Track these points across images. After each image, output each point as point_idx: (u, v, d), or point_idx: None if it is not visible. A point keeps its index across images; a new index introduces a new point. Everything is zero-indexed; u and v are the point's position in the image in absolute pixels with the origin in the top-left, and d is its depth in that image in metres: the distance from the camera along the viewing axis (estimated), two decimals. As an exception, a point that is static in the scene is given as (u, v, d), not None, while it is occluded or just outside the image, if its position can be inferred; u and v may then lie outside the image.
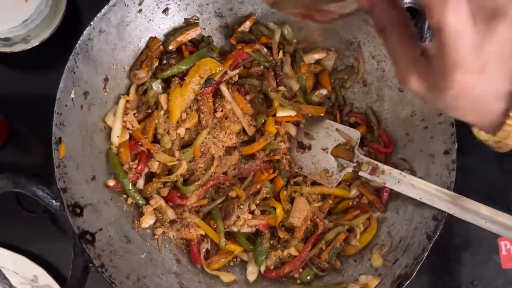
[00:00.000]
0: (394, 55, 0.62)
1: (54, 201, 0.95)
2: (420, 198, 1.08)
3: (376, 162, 1.15)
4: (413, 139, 1.18)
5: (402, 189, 1.11)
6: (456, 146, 1.09)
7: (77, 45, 1.02)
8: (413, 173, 1.15)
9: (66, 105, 1.01)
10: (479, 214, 1.03)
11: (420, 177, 1.11)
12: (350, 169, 1.17)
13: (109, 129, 1.12)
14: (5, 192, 0.96)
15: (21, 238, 1.31)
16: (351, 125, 1.24)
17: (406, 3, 1.40)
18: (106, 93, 1.11)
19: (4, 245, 1.28)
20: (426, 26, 1.14)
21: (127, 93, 1.15)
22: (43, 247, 1.32)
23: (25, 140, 1.39)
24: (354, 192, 1.21)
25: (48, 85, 1.02)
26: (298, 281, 1.16)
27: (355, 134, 1.19)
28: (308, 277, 1.15)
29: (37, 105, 1.01)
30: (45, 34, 1.28)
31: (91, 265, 0.95)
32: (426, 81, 0.60)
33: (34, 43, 1.28)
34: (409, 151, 1.18)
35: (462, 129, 1.13)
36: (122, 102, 1.13)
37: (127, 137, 1.13)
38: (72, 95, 1.02)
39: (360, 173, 1.16)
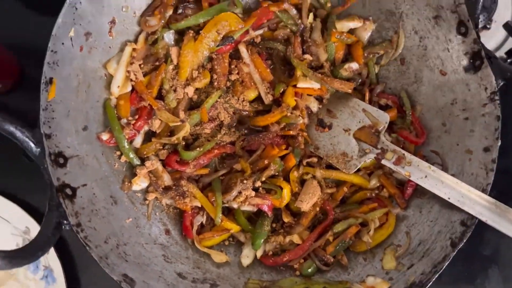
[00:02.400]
0: None
1: (34, 146, 0.86)
2: (449, 198, 0.94)
3: (403, 151, 1.01)
4: (449, 131, 1.03)
5: (430, 185, 0.97)
6: (499, 144, 0.93)
7: (82, -22, 0.92)
8: (444, 169, 1.01)
9: (63, 44, 0.91)
10: (517, 225, 0.88)
11: (452, 175, 0.97)
12: (372, 156, 1.03)
13: (110, 78, 1.02)
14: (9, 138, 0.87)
15: (18, 187, 1.25)
16: (381, 107, 1.10)
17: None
18: (111, 38, 1.00)
19: (0, 192, 1.22)
20: None
21: (135, 41, 1.04)
22: (39, 199, 1.26)
23: (38, 86, 1.32)
24: (374, 182, 1.07)
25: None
26: (297, 273, 1.04)
27: (383, 117, 1.05)
28: (309, 270, 1.03)
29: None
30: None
31: (65, 222, 0.85)
32: None
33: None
34: (443, 144, 1.03)
35: (508, 126, 0.99)
36: (128, 49, 1.02)
37: (129, 89, 1.03)
38: (71, 34, 0.92)
39: (383, 162, 1.02)
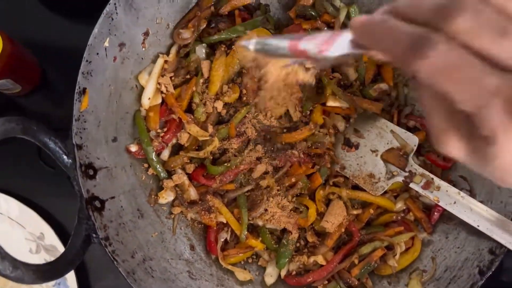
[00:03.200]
0: (431, 109, 0.47)
1: (66, 157, 0.85)
2: (478, 226, 0.94)
3: (431, 176, 1.00)
4: (479, 157, 1.02)
5: (458, 212, 0.96)
6: (531, 173, 0.93)
7: (120, -11, 0.91)
8: (472, 195, 1.00)
9: (97, 54, 0.90)
10: (547, 256, 0.88)
11: (481, 202, 0.96)
12: (400, 179, 1.03)
13: (141, 89, 1.01)
14: (28, 142, 0.86)
15: (34, 191, 1.24)
16: (409, 130, 1.09)
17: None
18: (144, 49, 0.99)
19: (16, 196, 1.21)
20: None
21: (167, 53, 1.03)
22: (56, 205, 1.25)
23: (58, 90, 1.31)
24: (400, 205, 1.06)
25: (90, 34, 0.91)
26: (321, 294, 1.03)
27: (412, 140, 1.04)
28: (333, 292, 1.02)
29: (76, 54, 0.91)
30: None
31: (94, 235, 0.84)
32: (469, 146, 0.45)
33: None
34: (472, 170, 1.02)
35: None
36: (160, 61, 1.01)
37: (159, 101, 1.02)
38: (106, 44, 0.91)
39: (411, 185, 1.02)
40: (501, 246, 0.92)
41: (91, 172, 0.89)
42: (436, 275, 0.98)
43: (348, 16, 1.09)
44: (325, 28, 1.08)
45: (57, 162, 0.85)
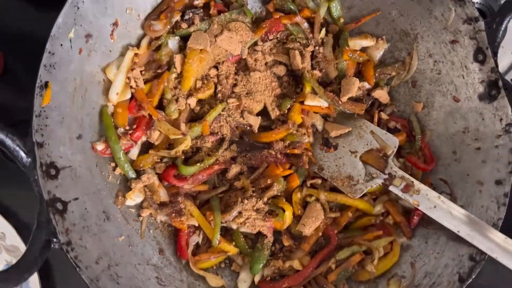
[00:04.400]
0: None
1: (25, 155, 0.78)
2: (458, 231, 0.91)
3: (411, 179, 0.97)
4: (460, 160, 0.99)
5: (438, 216, 0.94)
6: (513, 178, 0.91)
7: (86, -24, 0.85)
8: (453, 199, 0.98)
9: (61, 45, 0.84)
10: (528, 264, 0.85)
11: (461, 206, 0.94)
12: (379, 181, 0.99)
13: (109, 84, 0.95)
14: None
15: (-5, 189, 1.17)
16: (389, 130, 1.06)
17: (476, 3, 1.23)
18: (112, 41, 0.93)
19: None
20: (503, 27, 0.95)
21: (137, 46, 0.98)
22: (17, 202, 1.19)
23: (21, 80, 1.24)
24: (379, 208, 1.03)
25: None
26: (296, 300, 0.99)
27: (392, 141, 1.01)
28: (309, 298, 0.98)
29: (41, 43, 0.85)
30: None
31: (55, 240, 0.78)
32: None
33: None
34: (453, 173, 1.00)
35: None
36: (129, 54, 0.95)
37: (129, 96, 0.96)
38: (71, 35, 0.85)
39: (391, 188, 0.98)
40: (482, 252, 0.89)
41: (52, 171, 0.83)
42: (415, 281, 0.95)
43: (329, 11, 1.05)
44: (305, 24, 1.04)
45: (15, 162, 0.79)
